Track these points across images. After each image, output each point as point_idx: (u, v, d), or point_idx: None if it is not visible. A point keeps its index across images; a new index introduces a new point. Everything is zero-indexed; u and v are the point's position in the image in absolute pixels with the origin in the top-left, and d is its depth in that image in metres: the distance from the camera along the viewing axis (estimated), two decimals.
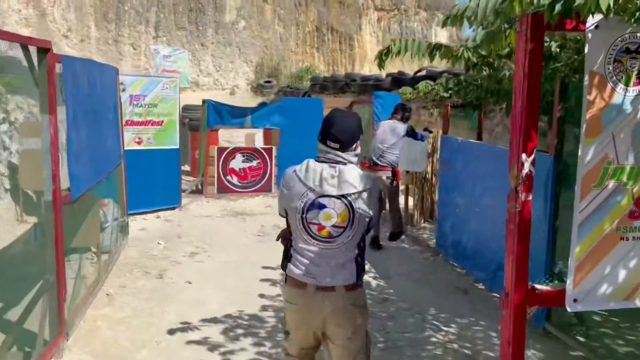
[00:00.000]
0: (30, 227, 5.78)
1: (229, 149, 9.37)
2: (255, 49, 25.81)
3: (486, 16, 2.46)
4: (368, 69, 29.54)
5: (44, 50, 3.27)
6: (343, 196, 2.25)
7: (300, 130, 9.42)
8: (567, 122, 3.79)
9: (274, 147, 9.55)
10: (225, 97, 21.44)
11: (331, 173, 2.28)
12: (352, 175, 2.28)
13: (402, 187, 9.32)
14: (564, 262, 4.77)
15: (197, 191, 9.46)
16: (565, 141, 3.78)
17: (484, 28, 3.01)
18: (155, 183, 7.70)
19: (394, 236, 6.61)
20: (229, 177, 9.31)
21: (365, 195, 2.28)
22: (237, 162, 9.35)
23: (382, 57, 2.85)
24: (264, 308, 4.41)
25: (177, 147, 7.97)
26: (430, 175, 7.46)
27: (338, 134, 2.32)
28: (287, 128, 9.45)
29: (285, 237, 2.47)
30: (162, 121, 7.78)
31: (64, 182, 3.65)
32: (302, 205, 2.28)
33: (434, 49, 2.89)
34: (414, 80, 11.35)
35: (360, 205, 2.26)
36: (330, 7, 28.94)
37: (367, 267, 5.40)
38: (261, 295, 4.68)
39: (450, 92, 6.76)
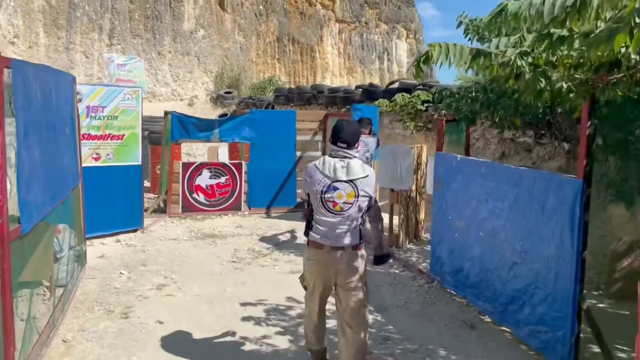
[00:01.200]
0: None
1: (195, 165, 8.71)
2: (214, 59, 25.07)
3: (554, 13, 2.03)
4: (330, 80, 29.28)
5: None
6: (351, 181, 3.17)
7: (272, 144, 8.90)
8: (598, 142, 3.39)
9: (243, 163, 8.95)
10: (183, 108, 20.63)
11: (341, 165, 3.19)
12: (356, 167, 3.20)
13: (381, 203, 8.85)
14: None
15: (159, 210, 8.74)
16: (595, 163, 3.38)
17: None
18: (114, 203, 6.97)
19: (380, 260, 6.16)
20: (195, 195, 8.64)
21: (365, 180, 3.20)
22: (204, 179, 8.70)
23: (419, 65, 2.37)
24: (250, 355, 3.82)
25: (139, 163, 7.26)
26: (415, 193, 7.04)
27: (345, 137, 3.22)
28: (258, 142, 8.87)
29: (307, 215, 3.34)
30: (123, 135, 7.06)
31: (11, 209, 3.01)
32: (321, 188, 3.19)
33: (475, 56, 2.43)
34: (386, 93, 11.02)
35: (363, 187, 3.19)
36: (291, 17, 28.58)
37: None
38: (244, 338, 4.08)
39: (440, 105, 6.39)
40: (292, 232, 7.64)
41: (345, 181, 3.16)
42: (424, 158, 7.18)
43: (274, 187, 9.06)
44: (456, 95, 5.73)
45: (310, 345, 3.58)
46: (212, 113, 21.38)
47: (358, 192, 3.17)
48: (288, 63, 28.43)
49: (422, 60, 2.36)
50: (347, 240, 3.19)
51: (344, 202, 3.16)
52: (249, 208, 8.97)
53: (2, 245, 2.78)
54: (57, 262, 4.69)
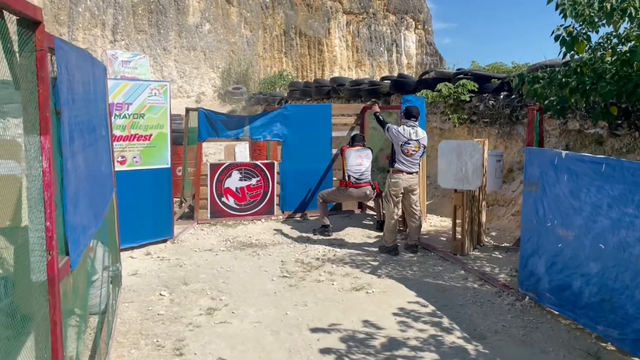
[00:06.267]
0: None
1: (224, 165, 7.96)
2: (221, 54, 24.27)
3: None
4: (338, 73, 28.47)
5: (32, 22, 1.88)
6: (417, 140, 6.13)
7: (306, 142, 8.15)
8: None
9: (276, 163, 8.20)
10: (190, 105, 19.83)
11: (413, 131, 6.13)
12: (420, 131, 6.21)
13: (429, 202, 8.21)
14: None
15: (185, 216, 8.00)
16: None
17: None
18: (143, 211, 6.25)
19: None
20: (224, 199, 7.90)
21: (424, 139, 6.24)
22: (234, 181, 7.96)
23: None
24: None
25: (169, 165, 6.52)
26: (478, 193, 6.31)
27: (414, 115, 6.19)
28: (291, 139, 8.12)
29: (389, 157, 6.36)
30: (150, 135, 6.31)
31: None
32: (401, 143, 6.07)
33: None
34: (421, 84, 10.26)
35: (423, 142, 6.21)
36: (298, 10, 27.76)
37: (448, 324, 4.17)
38: None
39: (525, 91, 5.69)
40: (337, 238, 6.92)
41: (414, 140, 6.10)
42: (485, 154, 6.44)
43: (309, 188, 8.32)
44: (541, 81, 4.99)
45: (390, 243, 6.15)
46: (220, 110, 20.59)
47: (420, 145, 6.16)
48: (295, 57, 27.63)
49: None
50: (414, 169, 6.16)
51: (412, 150, 6.09)
52: (282, 212, 8.24)
53: (52, 289, 2.04)
54: (90, 287, 3.97)
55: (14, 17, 1.84)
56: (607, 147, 6.55)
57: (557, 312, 4.29)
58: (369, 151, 7.28)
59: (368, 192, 7.08)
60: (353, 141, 7.42)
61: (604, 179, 3.76)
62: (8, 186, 2.61)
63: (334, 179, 8.30)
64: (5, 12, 1.74)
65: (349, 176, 7.04)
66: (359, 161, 7.08)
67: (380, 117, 6.58)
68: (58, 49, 2.20)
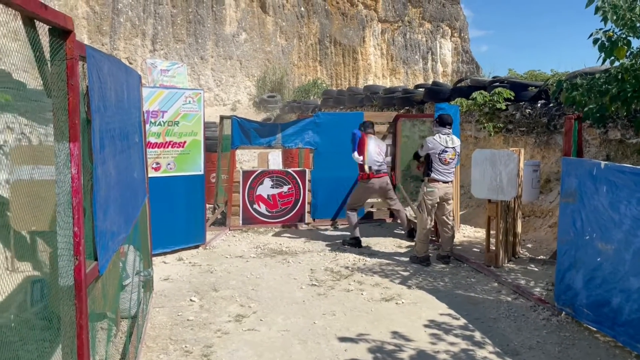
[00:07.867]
0: (24, 283, 4.36)
1: (256, 173, 8.02)
2: (256, 63, 24.57)
3: None
4: (372, 81, 28.41)
5: (62, 32, 1.92)
6: (453, 147, 6.06)
7: (338, 150, 8.10)
8: None
9: (307, 170, 8.20)
10: (226, 113, 20.13)
11: (449, 139, 6.06)
12: (455, 139, 6.16)
13: (462, 212, 8.09)
14: None
15: (217, 222, 8.08)
16: None
17: None
18: (176, 217, 6.34)
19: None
20: (255, 206, 7.95)
21: (459, 146, 6.23)
22: (265, 188, 8.00)
23: None
24: None
25: (202, 172, 6.60)
26: (514, 204, 6.15)
27: (449, 122, 6.10)
28: (323, 147, 8.11)
29: (425, 165, 6.17)
30: (184, 142, 6.41)
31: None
32: (438, 151, 5.97)
33: None
34: (455, 92, 10.11)
35: (458, 150, 6.18)
36: (333, 19, 27.88)
37: (480, 338, 4.06)
38: None
39: (563, 98, 5.54)
40: (367, 247, 6.85)
41: (451, 147, 6.02)
42: (521, 164, 6.28)
43: (340, 196, 8.28)
44: (580, 88, 4.84)
45: (421, 253, 6.07)
46: (255, 118, 20.84)
47: (456, 153, 6.12)
48: (330, 65, 27.72)
49: None
50: (449, 178, 6.08)
51: (450, 158, 6.02)
52: (313, 219, 8.23)
53: (79, 294, 2.07)
54: (122, 291, 4.03)
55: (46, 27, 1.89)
56: None
57: (595, 329, 4.13)
58: (385, 146, 7.37)
59: (388, 181, 7.17)
60: (365, 128, 7.13)
61: None
62: (50, 190, 2.68)
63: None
64: (37, 21, 1.79)
65: (369, 167, 6.92)
66: (378, 150, 7.02)
67: (417, 151, 6.46)
68: (89, 57, 2.25)
